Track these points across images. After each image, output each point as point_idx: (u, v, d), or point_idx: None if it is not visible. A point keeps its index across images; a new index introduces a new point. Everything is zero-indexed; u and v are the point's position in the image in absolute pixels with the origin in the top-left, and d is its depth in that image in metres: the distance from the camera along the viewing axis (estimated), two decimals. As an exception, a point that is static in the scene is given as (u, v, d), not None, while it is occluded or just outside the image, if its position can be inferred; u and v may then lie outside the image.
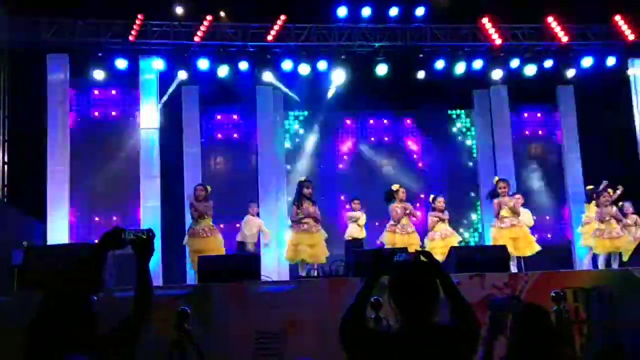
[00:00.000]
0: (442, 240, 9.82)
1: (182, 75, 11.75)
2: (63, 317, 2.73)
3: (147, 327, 2.96)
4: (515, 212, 9.80)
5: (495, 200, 9.85)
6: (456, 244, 9.83)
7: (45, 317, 2.74)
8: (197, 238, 9.51)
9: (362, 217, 10.67)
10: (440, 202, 10.21)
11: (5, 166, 10.89)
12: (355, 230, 10.60)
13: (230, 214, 11.40)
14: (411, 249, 8.92)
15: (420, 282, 2.80)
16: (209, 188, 9.78)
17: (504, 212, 9.80)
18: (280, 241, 11.65)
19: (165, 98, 11.82)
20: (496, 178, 10.29)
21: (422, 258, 2.92)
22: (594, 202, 10.35)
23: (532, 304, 3.54)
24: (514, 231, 9.69)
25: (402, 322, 2.79)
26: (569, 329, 7.03)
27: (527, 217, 10.49)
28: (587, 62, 12.34)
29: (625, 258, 9.88)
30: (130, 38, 11.22)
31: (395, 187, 10.17)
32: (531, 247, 9.76)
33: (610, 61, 12.33)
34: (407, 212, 9.98)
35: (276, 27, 11.52)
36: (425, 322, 2.75)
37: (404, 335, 2.76)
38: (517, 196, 10.42)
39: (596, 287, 7.56)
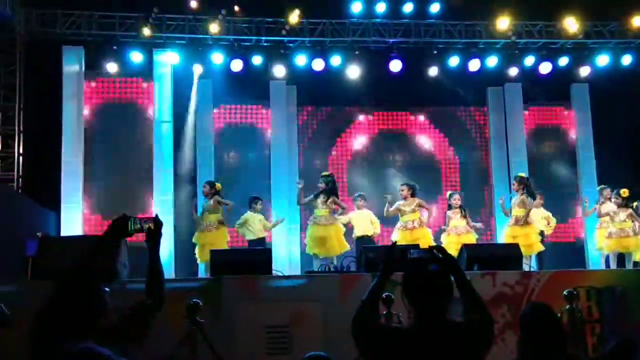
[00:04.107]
0: (457, 237, 9.78)
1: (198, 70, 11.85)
2: (72, 306, 2.75)
3: (158, 319, 2.97)
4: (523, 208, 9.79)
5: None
6: (473, 242, 9.77)
7: (54, 306, 2.76)
8: (204, 232, 9.76)
9: (359, 215, 10.49)
10: (456, 199, 10.19)
11: (21, 157, 10.99)
12: (367, 227, 10.53)
13: (242, 208, 11.38)
14: (421, 242, 8.93)
15: (434, 278, 2.79)
16: (218, 185, 9.91)
17: (515, 212, 9.80)
18: (290, 235, 11.67)
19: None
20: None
21: (437, 254, 2.89)
22: (608, 201, 10.22)
23: (538, 303, 3.49)
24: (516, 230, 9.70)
25: (414, 319, 2.78)
26: (581, 328, 7.01)
27: (537, 218, 10.24)
28: (602, 60, 12.25)
29: (636, 257, 9.76)
30: (145, 31, 11.26)
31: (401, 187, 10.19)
32: (531, 248, 9.69)
33: (626, 60, 12.23)
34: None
35: (291, 22, 11.52)
36: (438, 319, 2.73)
37: (417, 332, 2.75)
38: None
39: (609, 287, 7.52)
